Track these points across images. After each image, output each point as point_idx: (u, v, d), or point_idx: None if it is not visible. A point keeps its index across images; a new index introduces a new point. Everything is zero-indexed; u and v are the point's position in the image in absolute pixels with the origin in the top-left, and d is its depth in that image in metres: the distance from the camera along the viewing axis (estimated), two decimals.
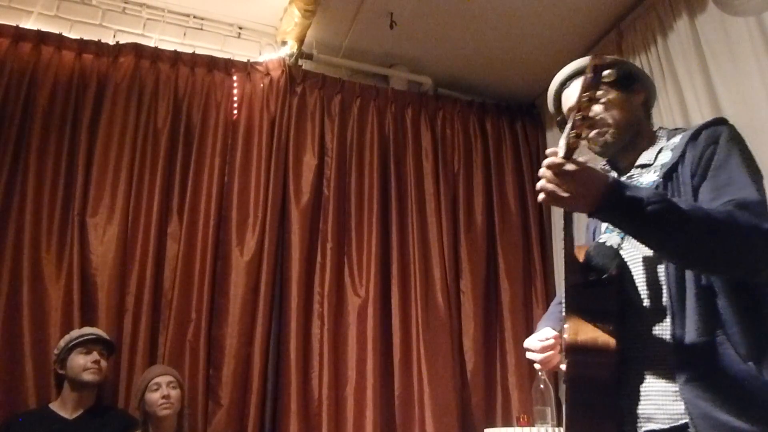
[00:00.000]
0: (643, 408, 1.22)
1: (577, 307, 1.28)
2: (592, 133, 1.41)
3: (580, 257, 1.38)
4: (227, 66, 3.43)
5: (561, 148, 1.13)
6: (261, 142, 3.34)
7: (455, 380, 3.26)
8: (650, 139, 1.43)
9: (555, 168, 1.12)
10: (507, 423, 3.25)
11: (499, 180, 3.84)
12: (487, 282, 3.57)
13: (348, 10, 3.47)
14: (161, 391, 2.44)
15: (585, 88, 1.06)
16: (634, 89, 1.45)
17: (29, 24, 3.16)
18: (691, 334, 1.16)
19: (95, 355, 2.47)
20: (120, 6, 3.43)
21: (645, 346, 1.24)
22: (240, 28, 3.69)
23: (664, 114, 3.06)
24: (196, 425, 2.75)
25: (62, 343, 2.50)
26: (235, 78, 3.43)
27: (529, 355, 1.45)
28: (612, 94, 1.41)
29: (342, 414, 3.03)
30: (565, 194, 1.11)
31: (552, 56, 3.79)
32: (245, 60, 3.51)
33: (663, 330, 1.22)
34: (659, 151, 1.38)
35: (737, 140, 1.28)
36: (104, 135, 3.05)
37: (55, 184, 2.90)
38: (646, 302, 1.27)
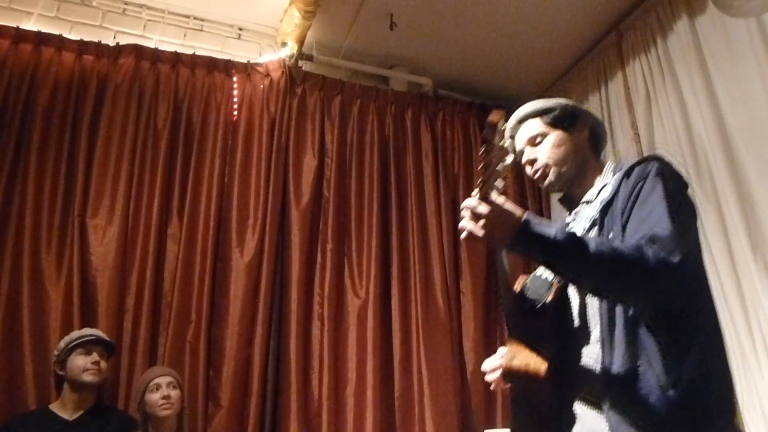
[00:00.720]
0: (577, 430, 1.28)
1: (516, 333, 1.36)
2: (536, 175, 1.53)
3: (519, 286, 1.47)
4: (227, 67, 3.44)
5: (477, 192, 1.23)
6: (261, 143, 3.34)
7: (455, 381, 3.26)
8: (598, 174, 1.50)
9: (471, 209, 1.21)
10: (507, 424, 3.24)
11: None
12: (487, 283, 3.57)
13: (348, 12, 3.47)
14: (161, 391, 2.44)
15: (481, 142, 1.15)
16: (577, 128, 1.52)
17: (29, 25, 3.16)
18: (617, 363, 1.21)
19: (95, 356, 2.46)
20: (120, 7, 3.44)
21: (578, 371, 1.30)
22: (240, 29, 3.69)
23: (664, 116, 3.06)
24: (196, 426, 2.75)
25: (62, 344, 2.49)
26: (235, 79, 3.44)
27: (486, 376, 1.52)
28: (553, 135, 1.51)
29: (342, 415, 3.03)
30: (481, 232, 1.20)
31: (552, 57, 3.80)
32: (245, 61, 3.51)
33: (594, 357, 1.28)
34: (603, 187, 1.44)
35: (664, 176, 1.31)
36: (104, 136, 3.05)
37: (56, 186, 2.90)
38: (581, 330, 1.34)
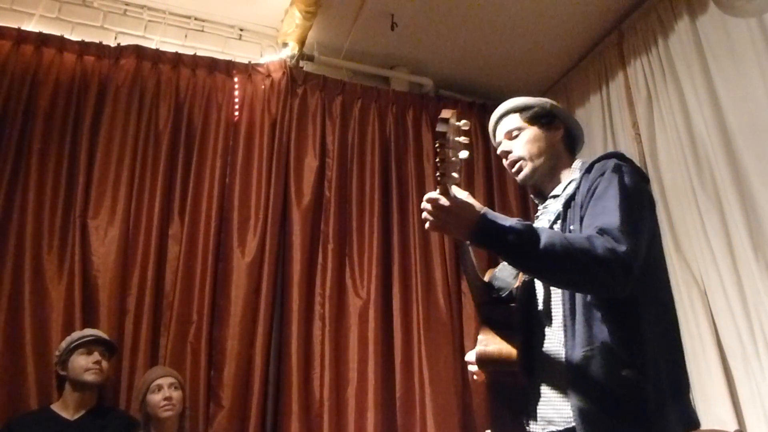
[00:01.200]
0: (545, 411, 1.35)
1: (487, 321, 1.44)
2: (512, 168, 1.61)
3: (487, 277, 1.54)
4: (228, 68, 3.44)
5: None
6: (262, 144, 3.34)
7: (456, 382, 3.26)
8: (568, 171, 1.58)
9: (431, 202, 1.29)
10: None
11: (501, 181, 3.84)
12: None
13: (349, 12, 3.47)
14: (163, 392, 2.45)
15: (434, 138, 1.19)
16: (553, 126, 1.61)
17: (31, 26, 3.17)
18: (577, 345, 1.30)
19: (96, 356, 2.47)
20: (121, 8, 3.44)
21: (545, 355, 1.38)
22: (241, 29, 3.70)
23: (665, 116, 3.06)
24: (197, 427, 2.75)
25: (64, 344, 2.50)
26: (236, 80, 3.44)
27: (469, 367, 1.58)
28: (530, 131, 1.60)
29: (343, 416, 3.03)
30: (442, 224, 1.29)
31: (553, 57, 3.80)
32: (246, 62, 3.51)
33: (558, 341, 1.36)
34: (569, 183, 1.52)
35: (620, 172, 1.39)
36: (105, 137, 3.05)
37: (57, 186, 2.91)
38: (546, 316, 1.41)
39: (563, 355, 1.33)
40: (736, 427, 2.44)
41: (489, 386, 1.45)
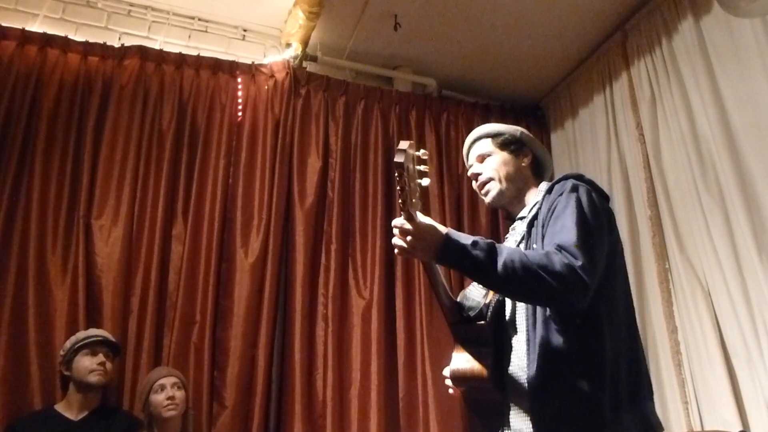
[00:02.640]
0: (515, 422, 1.42)
1: (460, 340, 1.51)
2: (481, 189, 1.71)
3: (459, 297, 1.61)
4: (232, 68, 3.44)
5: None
6: (265, 144, 3.34)
7: None
8: (534, 194, 1.67)
9: (398, 227, 1.35)
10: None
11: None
12: None
13: (352, 12, 3.47)
14: (166, 392, 2.45)
15: (394, 168, 1.26)
16: (521, 153, 1.72)
17: (35, 27, 3.17)
18: (537, 358, 1.37)
19: (101, 357, 2.47)
20: (125, 9, 3.45)
21: (512, 370, 1.45)
22: (244, 30, 3.70)
23: (669, 116, 3.06)
24: (201, 427, 2.75)
25: (68, 344, 2.50)
26: (239, 80, 3.44)
27: (446, 381, 1.62)
28: (499, 155, 1.71)
29: (346, 416, 3.03)
30: (409, 248, 1.34)
31: (556, 58, 3.80)
32: (250, 62, 3.52)
33: (523, 354, 1.43)
34: (534, 204, 1.59)
35: (577, 191, 1.47)
36: (109, 137, 3.06)
37: (61, 186, 2.91)
38: (514, 331, 1.49)
39: (526, 370, 1.39)
40: (740, 427, 2.43)
41: (465, 401, 1.51)
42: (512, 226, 1.72)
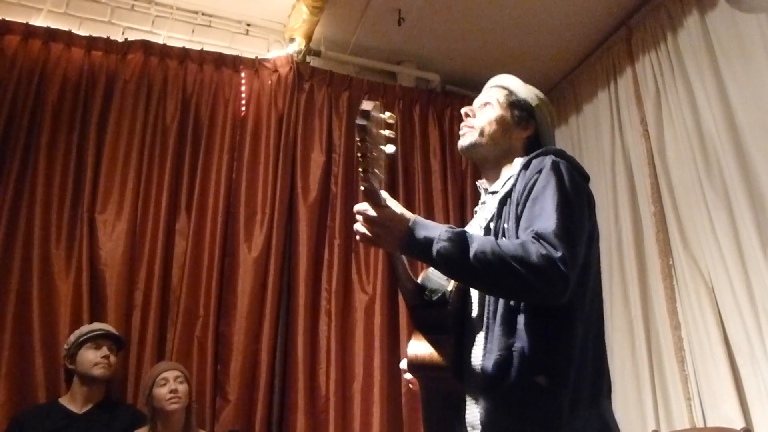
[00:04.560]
0: (470, 415, 1.29)
1: (420, 326, 1.37)
2: (461, 130, 1.56)
3: (421, 278, 1.47)
4: (235, 63, 3.44)
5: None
6: (269, 139, 3.35)
7: None
8: (509, 168, 1.50)
9: (360, 214, 1.25)
10: None
11: None
12: None
13: (356, 7, 3.46)
14: (169, 385, 2.45)
15: (356, 132, 1.12)
16: (524, 124, 1.54)
17: (39, 21, 3.18)
18: (494, 349, 1.24)
19: (105, 351, 2.48)
20: (129, 3, 3.45)
21: (472, 360, 1.32)
22: (248, 25, 3.69)
23: (673, 113, 3.04)
24: (204, 420, 2.76)
25: (72, 338, 2.51)
26: (243, 75, 3.44)
27: (404, 375, 1.53)
28: (500, 113, 1.54)
29: (349, 410, 3.04)
30: (371, 236, 1.25)
31: (561, 53, 3.79)
32: (253, 57, 3.51)
33: (480, 344, 1.30)
34: (508, 179, 1.44)
35: (558, 170, 1.32)
36: (113, 131, 3.06)
37: (65, 181, 2.92)
38: (478, 319, 1.35)
39: (482, 359, 1.27)
40: (742, 424, 2.43)
41: (422, 392, 1.40)
42: (482, 200, 1.56)
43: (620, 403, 2.98)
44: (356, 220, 1.28)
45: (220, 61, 3.41)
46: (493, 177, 1.53)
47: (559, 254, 1.17)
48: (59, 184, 2.90)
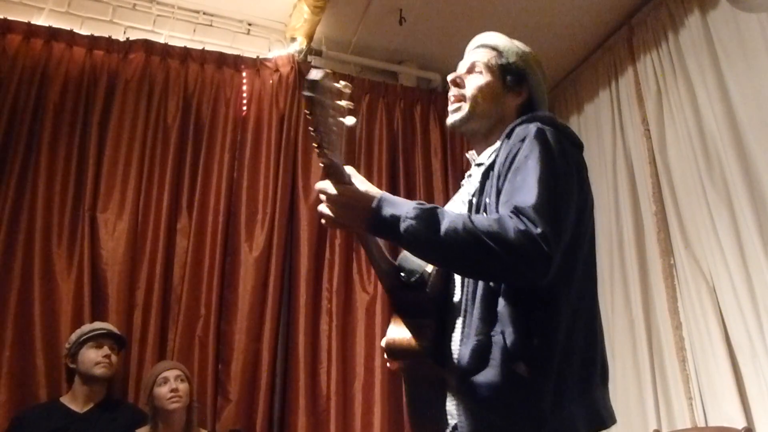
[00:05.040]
0: (449, 403, 1.20)
1: (398, 309, 1.28)
2: (450, 103, 1.43)
3: (399, 258, 1.36)
4: (237, 62, 3.44)
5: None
6: (270, 138, 3.35)
7: None
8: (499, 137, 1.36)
9: (321, 193, 1.15)
10: None
11: None
12: None
13: (357, 7, 3.46)
14: (169, 384, 2.45)
15: (304, 104, 1.03)
16: (517, 89, 1.42)
17: (41, 20, 3.18)
18: (472, 334, 1.15)
19: (106, 350, 2.49)
20: (130, 2, 3.45)
21: (453, 346, 1.22)
22: (249, 24, 3.69)
23: (675, 112, 3.04)
24: (205, 419, 2.76)
25: (73, 337, 2.51)
26: (244, 74, 3.44)
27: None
28: (489, 80, 1.41)
29: (350, 410, 3.04)
30: (336, 218, 1.14)
31: (562, 52, 3.78)
32: (254, 56, 3.51)
33: (458, 328, 1.21)
34: (494, 150, 1.33)
35: (543, 138, 1.20)
36: (114, 131, 3.06)
37: (66, 180, 2.92)
38: (457, 303, 1.25)
39: (460, 344, 1.18)
40: (744, 423, 2.42)
41: (404, 377, 1.31)
42: (468, 173, 1.46)
43: (622, 402, 2.98)
44: (321, 201, 1.18)
45: (221, 60, 3.41)
46: (483, 148, 1.43)
47: (539, 230, 1.06)
48: (61, 183, 2.90)
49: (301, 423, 2.91)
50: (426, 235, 1.09)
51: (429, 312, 1.25)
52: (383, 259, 1.28)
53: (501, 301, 1.14)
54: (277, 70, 3.50)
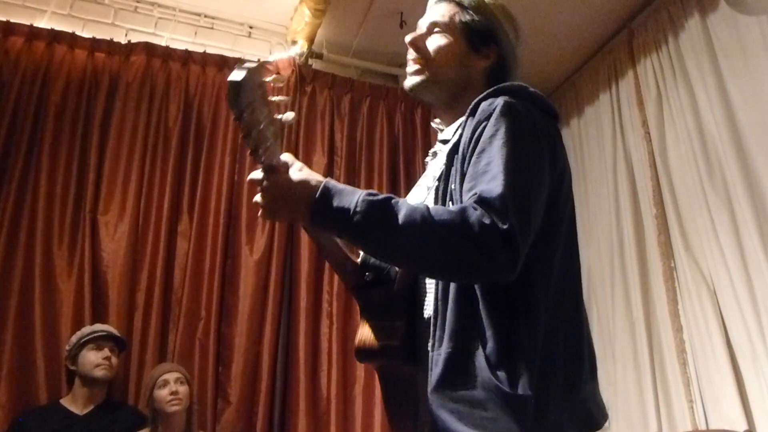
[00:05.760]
0: (423, 413, 1.09)
1: (365, 309, 1.20)
2: (408, 66, 1.29)
3: (357, 257, 1.25)
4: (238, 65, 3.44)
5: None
6: None
7: None
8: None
9: (255, 183, 1.03)
10: None
11: None
12: None
13: (358, 10, 3.47)
14: (169, 387, 2.45)
15: (231, 109, 0.92)
16: (485, 51, 1.26)
17: (43, 23, 3.19)
18: (445, 338, 1.03)
19: (106, 352, 2.49)
20: (132, 5, 3.46)
21: (422, 346, 1.11)
22: (250, 27, 3.70)
23: (675, 114, 3.05)
24: (205, 422, 2.76)
25: (74, 339, 2.52)
26: None
27: None
28: (452, 41, 1.25)
29: (350, 413, 3.03)
30: (271, 207, 1.02)
31: (562, 55, 3.79)
32: (256, 59, 3.51)
33: (430, 328, 1.08)
34: (459, 126, 1.17)
35: (511, 114, 1.06)
36: (116, 133, 3.07)
37: (67, 182, 2.93)
38: (425, 299, 1.14)
39: (430, 351, 1.06)
40: (745, 426, 2.42)
41: (379, 378, 1.23)
42: (433, 149, 1.31)
43: (622, 405, 2.98)
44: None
45: (222, 63, 3.41)
46: (449, 119, 1.27)
47: (505, 226, 0.94)
48: (62, 185, 2.91)
49: (302, 426, 2.91)
50: (378, 231, 0.97)
51: (398, 312, 1.15)
52: (341, 254, 1.18)
53: (474, 300, 1.03)
54: (278, 73, 3.50)
